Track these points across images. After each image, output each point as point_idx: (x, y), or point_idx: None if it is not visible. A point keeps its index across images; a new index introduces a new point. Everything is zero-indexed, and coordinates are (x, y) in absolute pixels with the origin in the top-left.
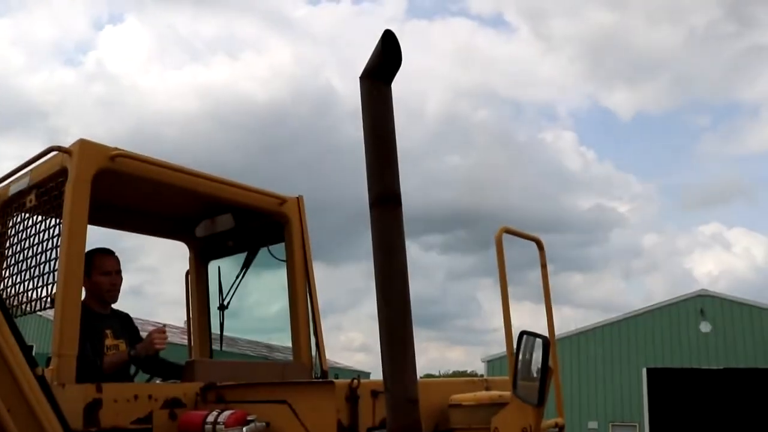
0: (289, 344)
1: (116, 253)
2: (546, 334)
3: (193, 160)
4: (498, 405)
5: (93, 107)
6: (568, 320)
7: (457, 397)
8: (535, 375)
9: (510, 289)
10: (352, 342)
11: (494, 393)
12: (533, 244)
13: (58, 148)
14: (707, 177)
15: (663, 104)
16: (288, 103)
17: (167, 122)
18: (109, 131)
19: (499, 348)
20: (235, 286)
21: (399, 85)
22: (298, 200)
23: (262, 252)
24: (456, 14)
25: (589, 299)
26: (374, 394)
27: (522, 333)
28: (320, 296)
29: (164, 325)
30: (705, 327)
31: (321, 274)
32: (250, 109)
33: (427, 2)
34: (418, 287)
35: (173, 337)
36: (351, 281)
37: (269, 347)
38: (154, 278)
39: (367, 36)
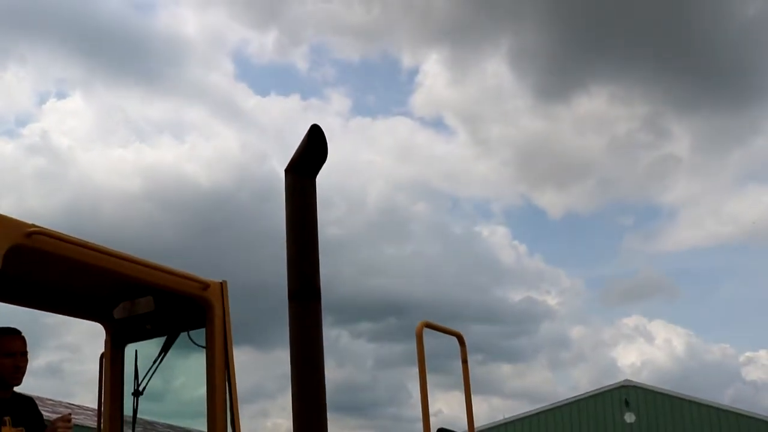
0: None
1: (34, 331)
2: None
3: (129, 237)
4: None
5: (29, 179)
6: (497, 410)
7: None
8: None
9: (440, 379)
10: (278, 428)
11: None
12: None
13: None
14: (630, 273)
15: (589, 205)
16: (231, 188)
17: (106, 198)
18: (43, 202)
19: None
20: (151, 371)
21: (342, 176)
22: (222, 285)
23: (182, 336)
24: (398, 114)
25: (519, 389)
26: None
27: (439, 430)
28: (248, 381)
29: (70, 413)
30: (629, 417)
31: (250, 358)
32: (193, 191)
33: (371, 101)
34: (347, 374)
35: (87, 420)
36: (279, 366)
37: None
38: (74, 356)
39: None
